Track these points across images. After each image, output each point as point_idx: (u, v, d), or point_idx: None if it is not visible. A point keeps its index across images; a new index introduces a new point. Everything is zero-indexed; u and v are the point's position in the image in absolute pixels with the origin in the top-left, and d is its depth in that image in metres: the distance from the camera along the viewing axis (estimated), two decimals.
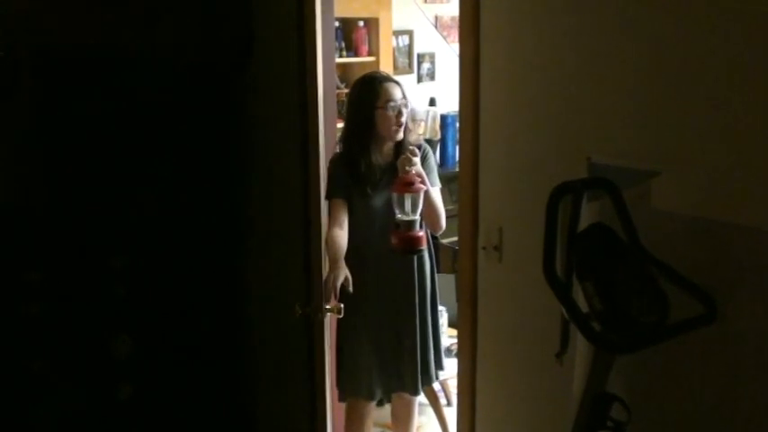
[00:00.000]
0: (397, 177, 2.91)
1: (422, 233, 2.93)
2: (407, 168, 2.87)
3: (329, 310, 2.67)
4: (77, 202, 3.07)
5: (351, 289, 2.83)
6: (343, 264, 2.85)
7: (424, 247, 2.98)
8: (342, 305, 2.69)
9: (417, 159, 2.93)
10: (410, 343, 3.09)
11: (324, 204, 2.93)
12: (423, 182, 2.92)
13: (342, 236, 2.96)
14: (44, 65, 3.05)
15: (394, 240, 2.91)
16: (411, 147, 2.99)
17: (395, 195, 2.89)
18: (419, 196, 2.88)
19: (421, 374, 3.15)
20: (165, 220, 3.17)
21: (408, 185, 2.86)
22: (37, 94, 3.07)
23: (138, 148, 3.14)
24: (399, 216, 2.88)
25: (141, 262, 3.16)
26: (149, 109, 3.15)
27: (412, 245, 2.91)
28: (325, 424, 2.61)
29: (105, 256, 3.10)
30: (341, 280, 2.79)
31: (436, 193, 3.07)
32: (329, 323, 2.91)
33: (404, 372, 3.13)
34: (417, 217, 2.89)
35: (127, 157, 3.12)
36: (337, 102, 3.84)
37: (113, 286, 3.12)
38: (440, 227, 3.09)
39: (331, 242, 2.91)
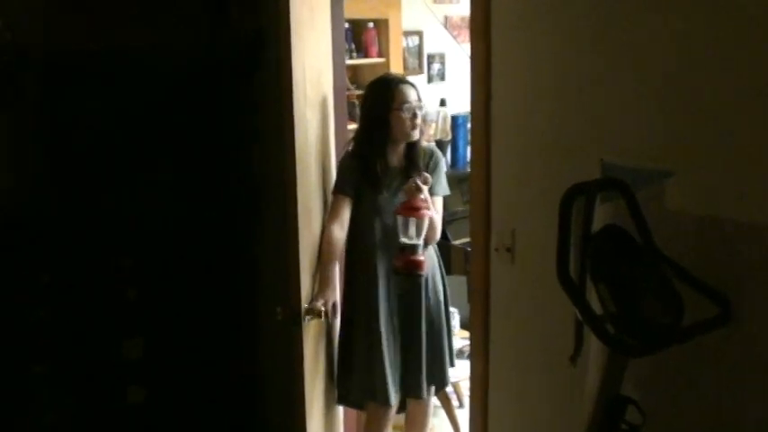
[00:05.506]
0: (405, 200, 2.90)
1: (423, 257, 2.92)
2: (416, 195, 2.87)
3: (309, 312, 2.66)
4: (87, 204, 3.08)
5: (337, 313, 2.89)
6: (334, 285, 2.87)
7: (424, 272, 2.95)
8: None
9: (426, 189, 2.92)
10: (418, 344, 3.08)
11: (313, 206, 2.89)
12: (428, 207, 2.91)
13: (340, 238, 2.98)
14: (53, 66, 3.05)
15: (396, 262, 2.93)
16: (423, 176, 2.97)
17: (400, 218, 2.89)
18: (424, 222, 2.87)
19: (432, 376, 3.13)
20: (176, 220, 3.17)
21: (414, 210, 2.86)
22: (45, 95, 3.08)
23: (148, 148, 3.15)
24: (403, 239, 2.87)
25: (152, 263, 3.16)
26: (158, 109, 3.15)
27: (412, 268, 2.91)
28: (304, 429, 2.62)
29: (116, 258, 3.11)
30: (330, 305, 2.81)
31: (439, 204, 3.08)
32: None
33: (414, 374, 3.10)
34: (420, 242, 2.89)
35: (137, 158, 3.13)
36: (348, 103, 3.84)
37: (124, 288, 3.12)
38: (434, 240, 3.10)
39: (327, 243, 2.92)
